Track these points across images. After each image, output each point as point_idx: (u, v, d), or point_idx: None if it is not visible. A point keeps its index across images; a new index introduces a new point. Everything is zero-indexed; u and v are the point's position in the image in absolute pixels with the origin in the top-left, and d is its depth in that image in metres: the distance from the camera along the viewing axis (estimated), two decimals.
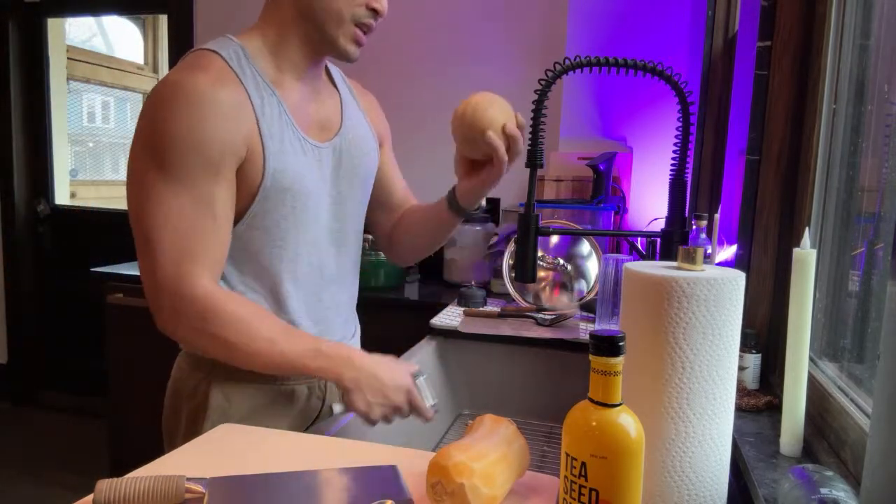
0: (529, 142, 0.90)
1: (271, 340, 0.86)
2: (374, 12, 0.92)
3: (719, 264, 1.02)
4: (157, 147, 0.82)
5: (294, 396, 0.99)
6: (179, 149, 0.81)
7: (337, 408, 0.93)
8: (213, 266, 0.85)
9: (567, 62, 0.86)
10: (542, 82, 0.87)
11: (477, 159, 0.98)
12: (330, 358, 0.88)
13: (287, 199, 0.91)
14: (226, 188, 0.86)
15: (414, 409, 0.92)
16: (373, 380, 0.88)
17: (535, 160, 0.89)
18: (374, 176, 1.09)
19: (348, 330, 1.09)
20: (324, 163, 0.96)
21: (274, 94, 0.90)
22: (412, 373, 0.94)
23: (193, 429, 0.93)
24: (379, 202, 1.15)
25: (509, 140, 0.93)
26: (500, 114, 0.93)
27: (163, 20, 4.18)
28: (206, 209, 0.84)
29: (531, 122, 0.89)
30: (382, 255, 1.85)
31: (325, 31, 0.91)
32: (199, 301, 0.83)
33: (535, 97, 0.88)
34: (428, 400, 0.94)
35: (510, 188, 2.25)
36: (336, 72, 1.07)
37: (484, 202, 1.04)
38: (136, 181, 0.84)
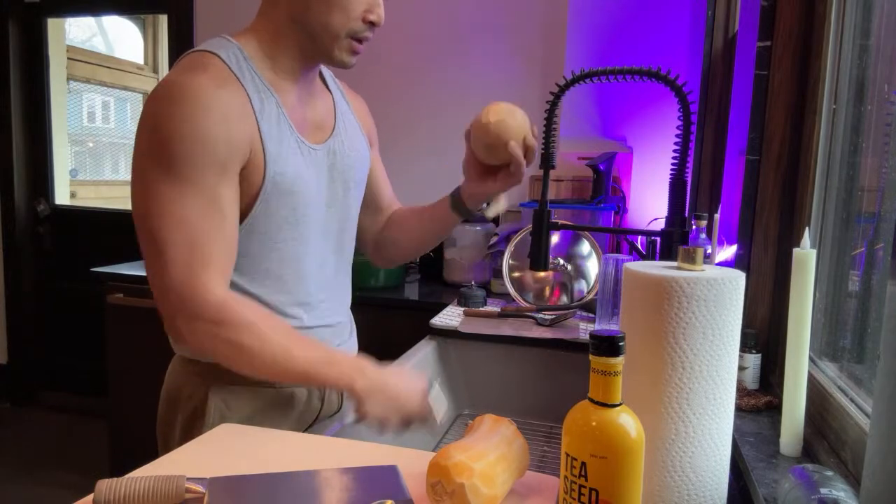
0: (542, 146, 0.99)
1: (286, 347, 0.84)
2: (372, 24, 0.91)
3: (719, 264, 1.02)
4: (161, 148, 0.81)
5: (293, 399, 0.98)
6: (184, 148, 0.80)
7: (350, 417, 0.91)
8: (224, 269, 0.84)
9: (572, 75, 0.94)
10: (552, 94, 0.96)
11: (489, 164, 1.04)
12: (342, 366, 0.86)
13: (287, 202, 0.90)
14: (232, 188, 0.85)
15: (425, 417, 0.90)
16: (386, 388, 0.86)
17: (548, 162, 0.99)
18: (366, 177, 1.09)
19: (345, 330, 1.08)
20: (319, 165, 0.96)
21: (273, 97, 0.90)
22: (425, 383, 0.92)
23: (190, 434, 0.92)
24: (368, 204, 1.14)
25: (527, 150, 1.00)
26: (521, 125, 1.00)
27: (163, 20, 4.18)
28: (214, 209, 0.83)
29: (543, 130, 0.99)
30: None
31: (320, 44, 0.90)
32: (213, 306, 0.81)
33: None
34: (443, 405, 0.93)
35: (510, 190, 2.25)
36: (327, 73, 1.06)
37: (503, 206, 1.08)
38: (141, 184, 0.83)
